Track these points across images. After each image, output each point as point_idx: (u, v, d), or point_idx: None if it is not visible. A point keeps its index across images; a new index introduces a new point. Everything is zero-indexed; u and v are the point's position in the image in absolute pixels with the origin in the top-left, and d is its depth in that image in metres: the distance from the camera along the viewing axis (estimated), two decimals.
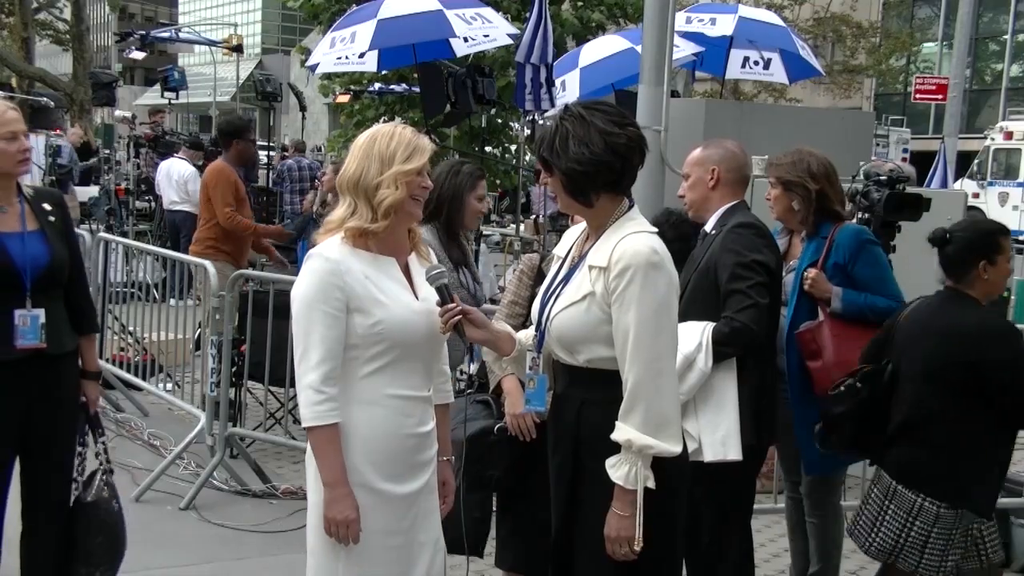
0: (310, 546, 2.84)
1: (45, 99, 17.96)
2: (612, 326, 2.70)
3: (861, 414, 3.64)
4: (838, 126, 7.69)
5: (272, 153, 16.76)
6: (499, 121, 18.19)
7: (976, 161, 24.62)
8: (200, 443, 5.75)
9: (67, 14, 29.01)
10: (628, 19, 18.92)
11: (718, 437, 3.47)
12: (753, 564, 3.83)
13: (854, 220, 4.54)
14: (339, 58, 9.51)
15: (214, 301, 5.70)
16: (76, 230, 4.01)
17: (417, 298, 2.83)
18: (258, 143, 13.79)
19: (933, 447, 3.46)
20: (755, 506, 3.96)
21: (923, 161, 15.71)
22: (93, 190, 13.98)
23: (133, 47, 20.37)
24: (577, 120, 2.76)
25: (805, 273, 4.02)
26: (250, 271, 6.74)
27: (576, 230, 2.98)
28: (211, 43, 28.20)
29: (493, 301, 5.71)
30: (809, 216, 4.06)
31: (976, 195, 22.68)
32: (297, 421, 4.71)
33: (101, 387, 4.05)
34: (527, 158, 14.48)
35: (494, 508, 3.82)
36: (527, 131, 11.85)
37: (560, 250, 3.00)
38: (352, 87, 20.19)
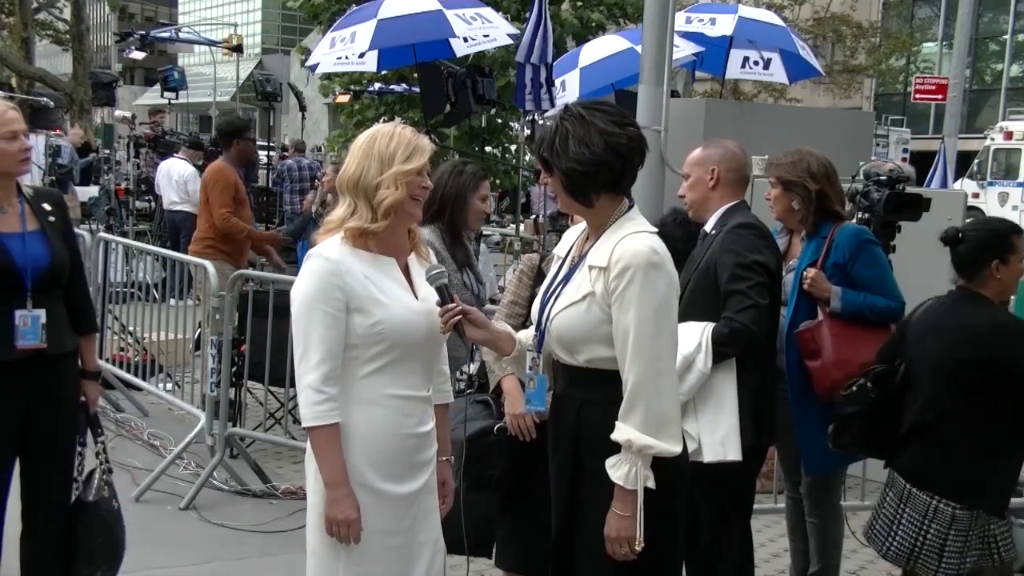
0: (310, 546, 2.84)
1: (45, 99, 17.96)
2: (612, 326, 2.70)
3: (873, 414, 3.62)
4: (838, 126, 7.69)
5: (272, 153, 16.76)
6: (499, 121, 18.18)
7: (976, 161, 24.62)
8: (200, 443, 5.75)
9: (67, 14, 28.99)
10: (628, 19, 18.91)
11: (718, 437, 3.47)
12: (753, 564, 3.83)
13: (854, 220, 4.54)
14: (339, 58, 9.51)
15: (214, 301, 5.70)
16: (76, 230, 4.02)
17: (417, 298, 2.83)
18: (258, 143, 13.77)
19: (946, 447, 3.44)
20: (755, 506, 3.96)
21: (923, 161, 15.71)
22: (93, 190, 13.98)
23: (133, 47, 20.37)
24: (577, 120, 2.76)
25: (804, 272, 4.02)
26: (250, 271, 6.74)
27: (576, 230, 2.98)
28: (211, 43, 28.20)
29: (493, 301, 5.71)
30: (809, 216, 4.06)
31: (976, 195, 22.68)
32: (297, 421, 4.70)
33: (101, 387, 4.06)
34: (527, 158, 14.48)
35: None
36: (527, 131, 11.85)
37: (560, 250, 3.00)
38: (352, 87, 20.19)
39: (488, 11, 9.69)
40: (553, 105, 8.73)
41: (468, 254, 4.22)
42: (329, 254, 2.74)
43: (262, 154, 15.17)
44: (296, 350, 2.74)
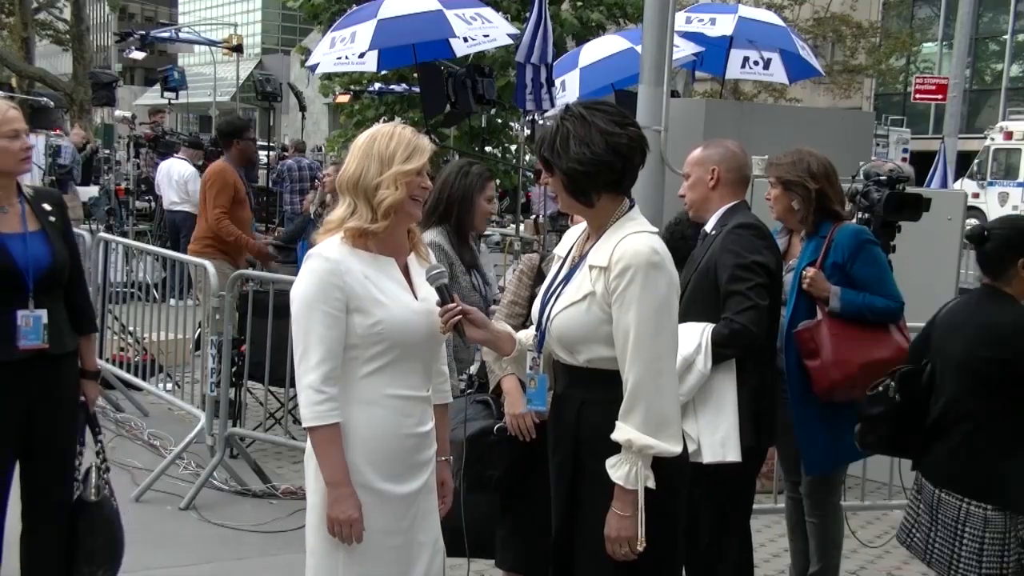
0: (309, 546, 2.84)
1: (45, 99, 17.96)
2: (612, 326, 2.70)
3: (900, 415, 3.57)
4: (838, 126, 7.69)
5: (272, 153, 16.76)
6: (499, 121, 18.20)
7: (976, 161, 24.63)
8: (200, 443, 5.75)
9: (67, 14, 28.98)
10: (628, 19, 18.92)
11: (717, 438, 3.47)
12: (753, 564, 3.83)
13: (854, 220, 4.54)
14: (339, 58, 9.52)
15: (214, 301, 5.70)
16: (76, 230, 4.02)
17: (416, 298, 2.83)
18: (258, 143, 13.78)
19: (971, 447, 3.39)
20: (755, 506, 3.96)
21: (923, 161, 15.73)
22: (93, 190, 13.99)
23: (133, 47, 20.37)
24: (578, 120, 2.76)
25: (804, 272, 4.02)
26: (250, 271, 6.74)
27: (577, 230, 2.98)
28: (211, 43, 28.20)
29: (493, 301, 5.71)
30: (809, 216, 4.06)
31: (976, 195, 22.69)
32: (297, 421, 4.71)
33: (100, 387, 4.06)
34: (527, 158, 14.48)
35: None
36: (527, 131, 11.85)
37: (561, 250, 3.00)
38: (352, 87, 20.20)
39: (488, 11, 9.69)
40: (553, 105, 8.74)
41: (475, 255, 4.17)
42: (329, 254, 2.74)
43: (262, 154, 15.18)
44: (296, 350, 2.74)
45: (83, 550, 3.63)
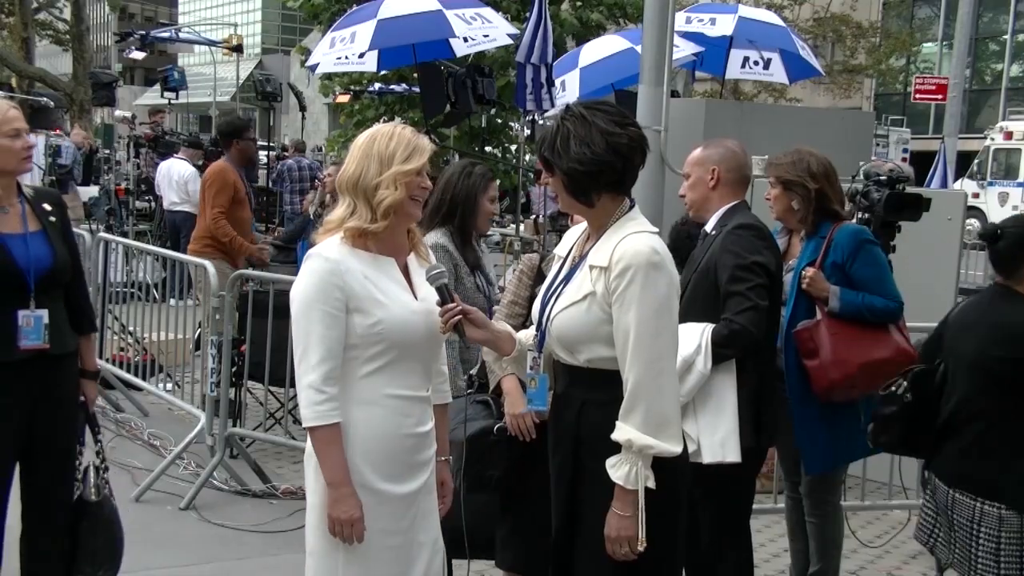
0: (309, 546, 2.84)
1: (45, 99, 17.96)
2: (612, 326, 2.70)
3: (912, 414, 3.56)
4: (838, 126, 7.70)
5: (272, 153, 16.77)
6: (499, 121, 18.19)
7: (976, 161, 24.65)
8: (200, 443, 5.75)
9: (67, 14, 28.97)
10: (628, 19, 18.91)
11: (717, 439, 3.47)
12: (753, 564, 3.83)
13: (854, 220, 4.54)
14: (339, 58, 9.51)
15: (214, 301, 5.70)
16: (76, 230, 4.01)
17: (416, 298, 2.83)
18: (258, 143, 13.78)
19: (983, 447, 3.37)
20: (755, 506, 3.96)
21: (923, 161, 15.73)
22: (93, 190, 13.99)
23: (133, 47, 20.38)
24: (579, 120, 2.76)
25: (803, 272, 4.02)
26: (250, 271, 6.74)
27: (577, 230, 2.98)
28: (211, 43, 28.21)
29: (495, 301, 5.70)
30: (808, 216, 4.06)
31: (976, 195, 22.71)
32: (297, 421, 4.71)
33: (100, 387, 4.07)
34: (527, 158, 14.47)
35: None
36: (527, 131, 11.85)
37: (561, 250, 3.00)
38: (352, 87, 20.20)
39: (488, 11, 9.69)
40: (553, 105, 8.74)
41: (478, 256, 4.13)
42: (329, 254, 2.74)
43: (262, 154, 15.19)
44: (296, 350, 2.74)
45: (84, 550, 3.63)
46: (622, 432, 2.66)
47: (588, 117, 2.75)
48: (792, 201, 4.06)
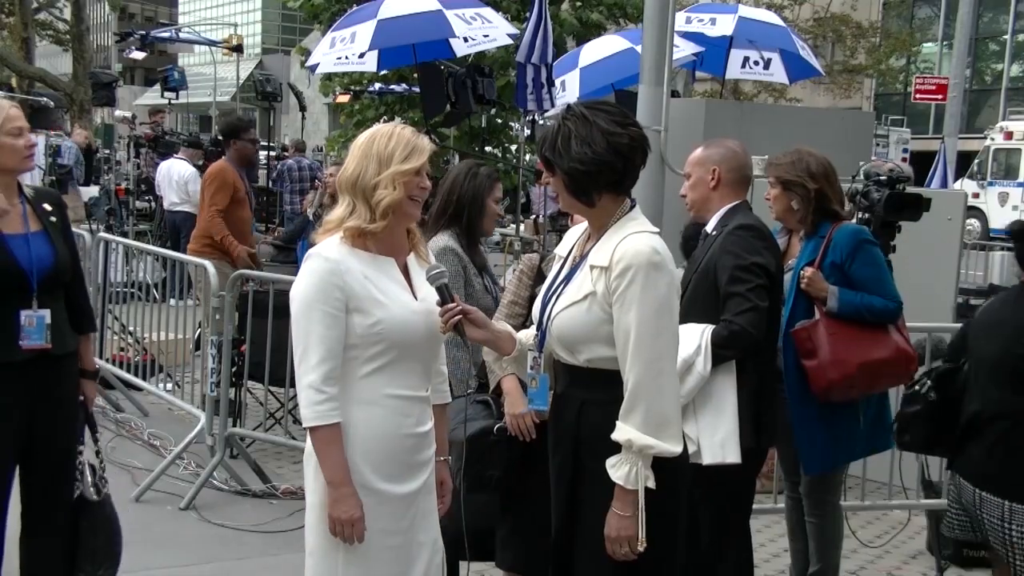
0: (309, 546, 2.84)
1: (45, 99, 17.94)
2: (613, 326, 2.70)
3: (936, 414, 3.54)
4: (838, 126, 7.70)
5: (272, 153, 16.77)
6: (499, 121, 18.19)
7: (976, 161, 24.65)
8: (200, 443, 5.75)
9: (67, 14, 28.97)
10: (628, 19, 18.92)
11: (717, 440, 3.46)
12: (753, 564, 3.83)
13: (854, 220, 4.54)
14: (339, 58, 9.52)
15: (214, 301, 5.70)
16: (76, 230, 4.02)
17: (416, 298, 2.83)
18: (259, 143, 13.78)
19: (1008, 446, 3.32)
20: (755, 506, 3.96)
21: (923, 161, 15.73)
22: (93, 190, 13.99)
23: (133, 47, 20.38)
24: (580, 120, 2.76)
25: (802, 272, 4.02)
26: (250, 271, 6.74)
27: (577, 230, 2.98)
28: (211, 43, 28.21)
29: None
30: (808, 216, 4.06)
31: (976, 195, 22.71)
32: (297, 421, 4.71)
33: (100, 387, 4.08)
34: (527, 158, 14.47)
35: None
36: (527, 131, 11.85)
37: (562, 250, 3.01)
38: (352, 87, 20.20)
39: (488, 11, 9.69)
40: (553, 105, 8.74)
41: (484, 258, 4.08)
42: (329, 254, 2.74)
43: (262, 154, 15.19)
44: (296, 350, 2.74)
45: (84, 549, 3.63)
46: (622, 432, 2.66)
47: (589, 117, 2.75)
48: (791, 201, 4.06)
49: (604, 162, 2.73)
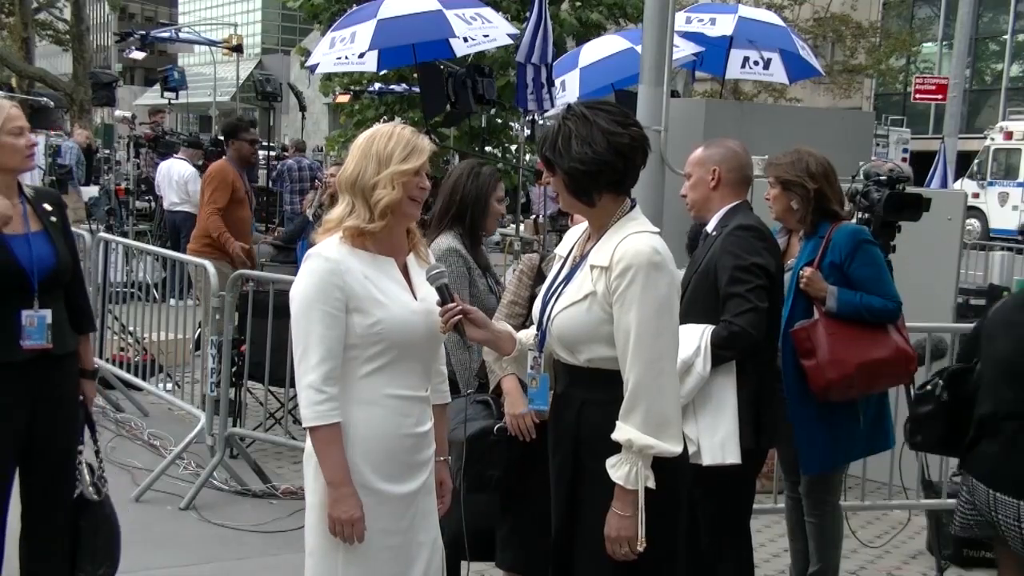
0: (308, 546, 2.84)
1: (45, 99, 17.98)
2: (613, 326, 2.70)
3: (948, 414, 3.53)
4: (838, 126, 7.70)
5: (271, 153, 16.77)
6: (499, 121, 18.18)
7: (976, 161, 24.66)
8: (200, 443, 5.75)
9: (67, 14, 28.98)
10: (628, 19, 18.91)
11: (716, 441, 3.46)
12: (753, 564, 3.83)
13: (854, 220, 4.53)
14: (339, 58, 9.52)
15: (214, 301, 5.70)
16: (76, 230, 4.02)
17: (416, 298, 2.83)
18: (259, 143, 13.79)
19: (1021, 446, 3.30)
20: (755, 506, 3.96)
21: (923, 161, 15.73)
22: (93, 190, 14.00)
23: (133, 47, 20.38)
24: (580, 120, 2.76)
25: (801, 272, 4.02)
26: (250, 271, 6.74)
27: (578, 230, 2.98)
28: (211, 43, 28.21)
29: None
30: (808, 216, 4.06)
31: (976, 195, 22.71)
32: (297, 421, 4.71)
33: (100, 387, 4.08)
34: (527, 158, 14.47)
35: None
36: (527, 131, 11.85)
37: (562, 250, 3.01)
38: (352, 87, 20.20)
39: (488, 11, 9.69)
40: (553, 105, 8.74)
41: (487, 258, 4.07)
42: (328, 254, 2.74)
43: (261, 154, 15.20)
44: (296, 350, 2.74)
45: (84, 549, 3.63)
46: (622, 432, 2.66)
47: (590, 117, 2.75)
48: (791, 201, 4.06)
49: (605, 162, 2.73)
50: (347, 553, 2.74)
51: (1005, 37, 32.62)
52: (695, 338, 3.47)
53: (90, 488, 3.67)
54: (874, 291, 4.02)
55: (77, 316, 3.65)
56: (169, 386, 7.15)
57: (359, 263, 2.75)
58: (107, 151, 17.78)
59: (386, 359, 2.75)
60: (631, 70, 7.70)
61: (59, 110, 20.89)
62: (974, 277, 11.24)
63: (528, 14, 9.12)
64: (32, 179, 8.07)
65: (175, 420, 6.71)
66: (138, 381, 6.94)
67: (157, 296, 8.28)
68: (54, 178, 11.59)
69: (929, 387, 3.59)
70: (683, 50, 8.88)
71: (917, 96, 22.47)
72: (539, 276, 3.75)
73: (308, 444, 2.78)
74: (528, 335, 2.99)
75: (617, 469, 2.67)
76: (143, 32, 21.26)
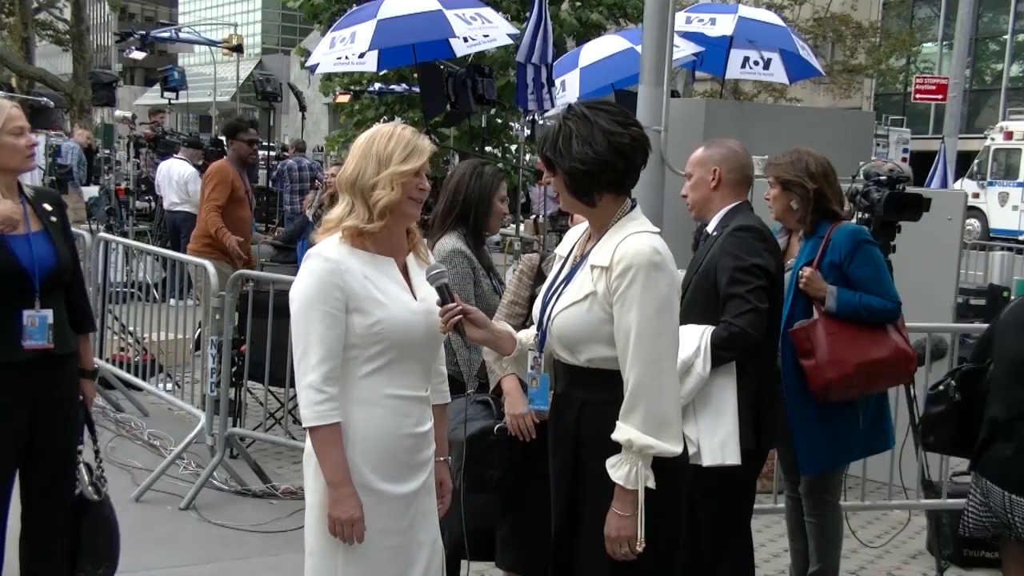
0: (308, 546, 2.84)
1: (45, 99, 17.99)
2: (613, 326, 2.70)
3: (961, 414, 3.52)
4: (838, 126, 7.70)
5: (271, 153, 16.77)
6: (499, 121, 18.19)
7: (976, 161, 24.66)
8: (200, 443, 5.74)
9: (67, 14, 29.00)
10: (628, 19, 18.92)
11: (716, 441, 3.46)
12: (753, 564, 3.82)
13: (854, 220, 4.54)
14: (339, 58, 9.53)
15: (214, 301, 5.70)
16: (76, 230, 4.02)
17: (416, 298, 2.83)
18: (259, 142, 13.79)
19: None
20: (755, 506, 3.96)
21: (923, 161, 15.73)
22: (93, 190, 14.00)
23: (133, 47, 20.39)
24: (581, 120, 2.76)
25: (800, 271, 4.02)
26: (250, 271, 6.74)
27: (578, 230, 2.98)
28: (211, 43, 28.22)
29: None
30: (807, 216, 4.06)
31: (976, 195, 22.72)
32: (297, 421, 4.71)
33: (100, 387, 4.08)
34: (527, 158, 14.47)
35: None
36: (527, 131, 11.85)
37: (562, 249, 3.00)
38: (352, 87, 20.21)
39: (488, 11, 9.70)
40: (553, 105, 8.74)
41: (489, 258, 4.05)
42: (328, 254, 2.74)
43: (261, 154, 15.20)
44: (296, 350, 2.73)
45: (84, 549, 3.63)
46: (622, 432, 2.66)
47: (590, 117, 2.75)
48: (791, 201, 4.06)
49: (605, 162, 2.73)
50: (347, 553, 2.74)
51: (1005, 37, 32.62)
52: (695, 339, 3.47)
53: (89, 488, 3.67)
54: (873, 291, 4.02)
55: (77, 316, 3.65)
56: (169, 386, 7.15)
57: (359, 263, 2.75)
58: (107, 151, 17.79)
59: (386, 359, 2.75)
60: (631, 70, 7.70)
61: (59, 110, 20.89)
62: (974, 277, 11.24)
63: (528, 14, 9.13)
64: (32, 179, 8.07)
65: (175, 420, 6.71)
66: (138, 381, 6.94)
67: (157, 296, 8.28)
68: (54, 178, 11.61)
69: (942, 387, 3.58)
70: (683, 50, 8.88)
71: (917, 96, 22.47)
72: (539, 276, 3.74)
73: (308, 444, 2.78)
74: (528, 335, 2.99)
75: (617, 469, 2.67)
76: (143, 32, 21.26)
